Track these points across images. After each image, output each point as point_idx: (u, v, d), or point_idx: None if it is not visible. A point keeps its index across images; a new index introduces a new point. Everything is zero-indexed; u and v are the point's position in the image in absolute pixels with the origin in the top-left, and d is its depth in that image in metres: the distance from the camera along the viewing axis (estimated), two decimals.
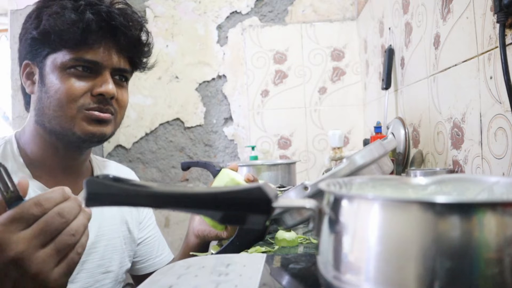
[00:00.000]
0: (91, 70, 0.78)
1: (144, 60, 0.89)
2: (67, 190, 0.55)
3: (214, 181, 0.81)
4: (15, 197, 0.52)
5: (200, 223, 0.88)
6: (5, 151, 0.80)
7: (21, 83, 0.83)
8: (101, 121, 0.79)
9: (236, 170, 0.83)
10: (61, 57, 0.76)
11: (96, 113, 0.78)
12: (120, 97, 0.82)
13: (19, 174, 0.78)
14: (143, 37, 0.85)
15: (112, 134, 0.84)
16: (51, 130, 0.78)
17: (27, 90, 0.81)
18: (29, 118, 0.82)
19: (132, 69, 0.87)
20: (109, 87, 0.78)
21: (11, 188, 0.51)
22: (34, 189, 0.78)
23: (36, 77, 0.79)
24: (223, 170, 0.81)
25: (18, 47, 0.83)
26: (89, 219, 0.57)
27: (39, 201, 0.51)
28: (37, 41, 0.77)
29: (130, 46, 0.82)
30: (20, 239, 0.49)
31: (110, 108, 0.80)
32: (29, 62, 0.80)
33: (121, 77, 0.84)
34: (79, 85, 0.76)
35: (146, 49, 0.88)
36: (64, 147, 0.81)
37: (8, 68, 1.79)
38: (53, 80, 0.76)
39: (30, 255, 0.49)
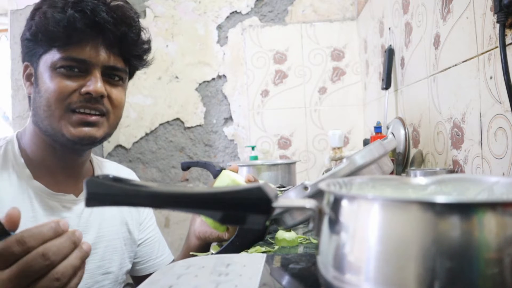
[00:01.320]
0: (80, 69, 0.76)
1: (144, 57, 0.88)
2: (62, 223, 0.50)
3: (215, 182, 0.81)
4: (0, 232, 0.46)
5: (201, 225, 0.86)
6: (6, 151, 0.80)
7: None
8: (89, 124, 0.77)
9: (236, 171, 0.83)
10: (51, 57, 0.76)
11: (83, 116, 0.76)
12: (113, 96, 0.80)
13: (19, 175, 0.78)
14: (134, 33, 0.82)
15: (107, 135, 0.82)
16: (45, 131, 0.78)
17: (26, 91, 0.81)
18: (29, 119, 0.83)
19: (128, 68, 0.86)
20: (97, 85, 0.76)
21: None
22: (35, 190, 0.78)
23: (33, 78, 0.79)
24: (223, 171, 0.80)
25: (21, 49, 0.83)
26: (85, 257, 0.51)
27: (23, 238, 0.46)
28: (30, 42, 0.78)
29: (119, 43, 0.80)
30: None
31: (99, 107, 0.78)
32: (28, 64, 0.80)
33: (114, 76, 0.82)
34: (67, 84, 0.75)
35: (145, 46, 0.86)
36: (61, 148, 0.80)
37: (8, 68, 1.79)
38: (44, 80, 0.76)
39: None
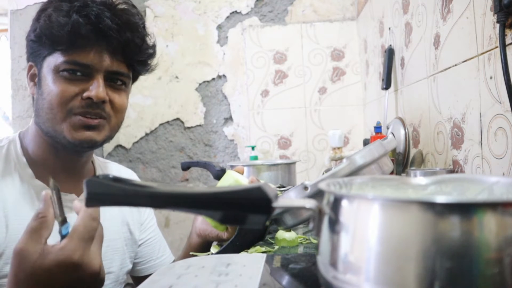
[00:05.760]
0: (83, 73, 0.76)
1: (148, 62, 0.87)
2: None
3: (219, 183, 0.81)
4: (64, 220, 0.56)
5: (202, 223, 0.87)
6: (9, 151, 0.80)
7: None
8: (90, 127, 0.77)
9: (242, 173, 0.83)
10: (55, 59, 0.76)
11: (84, 119, 0.76)
12: (115, 101, 0.80)
13: (22, 174, 0.78)
14: (138, 39, 0.82)
15: (108, 138, 0.81)
16: (47, 133, 0.78)
17: (29, 92, 0.82)
18: (32, 119, 0.83)
19: (132, 72, 0.85)
20: (99, 91, 0.76)
21: (62, 211, 0.55)
22: (36, 190, 0.78)
23: (37, 79, 0.79)
24: (228, 171, 0.80)
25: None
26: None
27: (92, 215, 0.57)
28: (35, 43, 0.78)
29: (123, 48, 0.79)
30: (95, 254, 0.56)
31: (100, 112, 0.78)
32: (32, 64, 0.81)
33: (117, 81, 0.81)
34: (70, 88, 0.75)
35: (150, 51, 0.86)
36: (63, 149, 0.80)
37: (8, 68, 1.79)
38: (47, 82, 0.76)
39: (101, 266, 0.56)
